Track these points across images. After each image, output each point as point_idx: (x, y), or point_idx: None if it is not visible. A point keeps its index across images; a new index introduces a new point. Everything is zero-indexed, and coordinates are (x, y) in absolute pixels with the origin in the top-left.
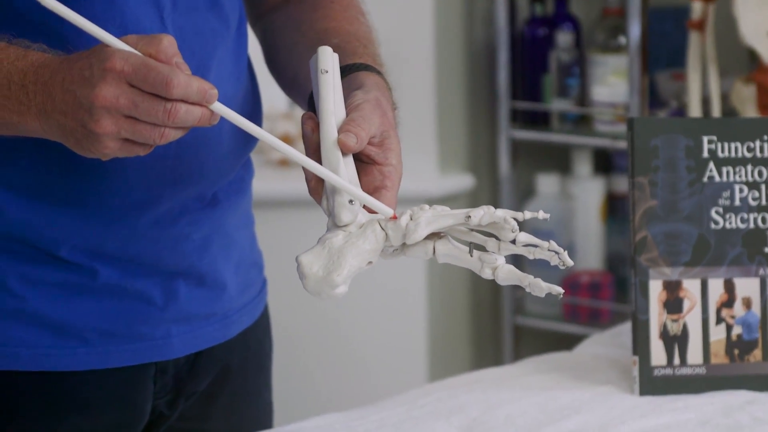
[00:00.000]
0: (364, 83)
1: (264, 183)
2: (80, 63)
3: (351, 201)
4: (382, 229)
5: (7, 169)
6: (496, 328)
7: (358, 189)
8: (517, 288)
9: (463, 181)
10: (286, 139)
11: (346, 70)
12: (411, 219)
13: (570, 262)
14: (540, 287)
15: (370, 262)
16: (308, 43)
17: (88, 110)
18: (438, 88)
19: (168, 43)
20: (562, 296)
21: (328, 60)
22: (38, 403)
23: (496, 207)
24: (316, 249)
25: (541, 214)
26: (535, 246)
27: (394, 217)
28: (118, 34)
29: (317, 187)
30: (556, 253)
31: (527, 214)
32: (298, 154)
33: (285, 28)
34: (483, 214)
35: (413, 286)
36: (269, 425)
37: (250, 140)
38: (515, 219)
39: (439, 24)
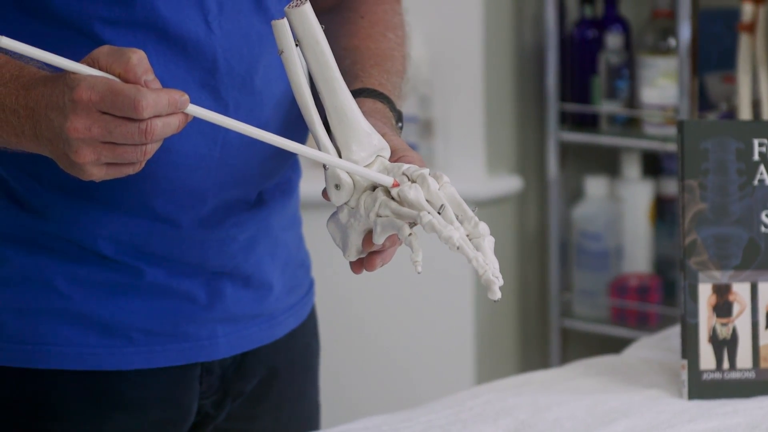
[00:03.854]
0: (365, 109)
1: (313, 184)
2: (57, 89)
3: (337, 186)
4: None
5: (55, 170)
6: (543, 331)
7: (351, 164)
8: (565, 291)
9: (511, 183)
10: None
11: (356, 93)
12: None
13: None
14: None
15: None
16: None
17: (66, 141)
18: (487, 90)
19: (137, 60)
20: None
21: (282, 38)
22: (84, 402)
23: (544, 209)
24: (333, 220)
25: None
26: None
27: (396, 185)
28: (158, 41)
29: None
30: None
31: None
32: (285, 141)
33: None
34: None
35: (461, 288)
36: (317, 426)
37: (296, 141)
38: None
39: (489, 25)
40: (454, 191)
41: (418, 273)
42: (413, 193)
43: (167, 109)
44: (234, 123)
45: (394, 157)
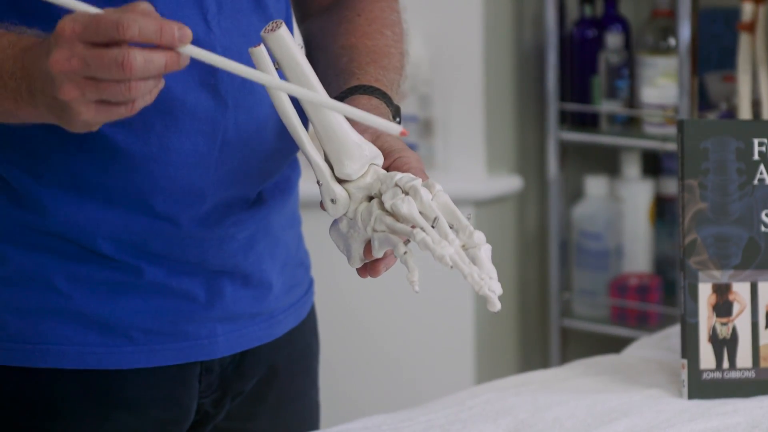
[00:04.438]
0: (360, 107)
1: (312, 183)
2: (47, 38)
3: (332, 200)
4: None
5: (54, 168)
6: (543, 331)
7: (355, 109)
8: (564, 290)
9: (511, 183)
10: None
11: (343, 97)
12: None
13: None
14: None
15: None
16: (327, 61)
17: (51, 80)
18: (487, 89)
19: (144, 5)
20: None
21: (261, 64)
22: (84, 401)
23: (544, 209)
24: (335, 229)
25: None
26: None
27: (404, 133)
28: None
29: None
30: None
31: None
32: (284, 83)
33: (317, 38)
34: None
35: (461, 288)
36: (316, 426)
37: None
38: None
39: (488, 25)
40: (447, 199)
41: (416, 292)
42: (406, 207)
43: (154, 35)
44: (232, 64)
45: (390, 159)
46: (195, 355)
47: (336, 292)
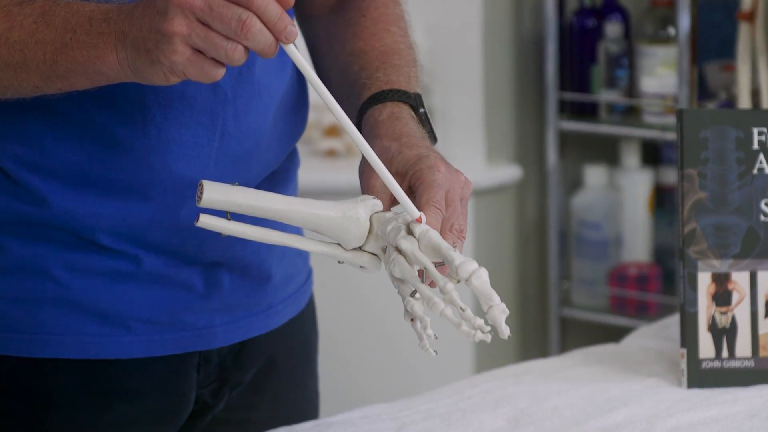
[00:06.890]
0: (373, 128)
1: (310, 174)
2: None
3: (362, 267)
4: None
5: (53, 160)
6: (542, 320)
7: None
8: (564, 280)
9: (510, 172)
10: (332, 131)
11: (363, 109)
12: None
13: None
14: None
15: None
16: (339, 70)
17: (163, 12)
18: (486, 79)
19: None
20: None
21: (215, 228)
22: (82, 391)
23: (543, 198)
24: None
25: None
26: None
27: (419, 220)
28: None
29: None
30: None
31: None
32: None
33: (324, 40)
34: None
35: None
36: (315, 415)
37: (295, 132)
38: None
39: (488, 14)
40: (431, 238)
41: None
42: (398, 270)
43: (273, 17)
44: (325, 93)
45: (406, 177)
46: (193, 345)
47: (335, 281)
